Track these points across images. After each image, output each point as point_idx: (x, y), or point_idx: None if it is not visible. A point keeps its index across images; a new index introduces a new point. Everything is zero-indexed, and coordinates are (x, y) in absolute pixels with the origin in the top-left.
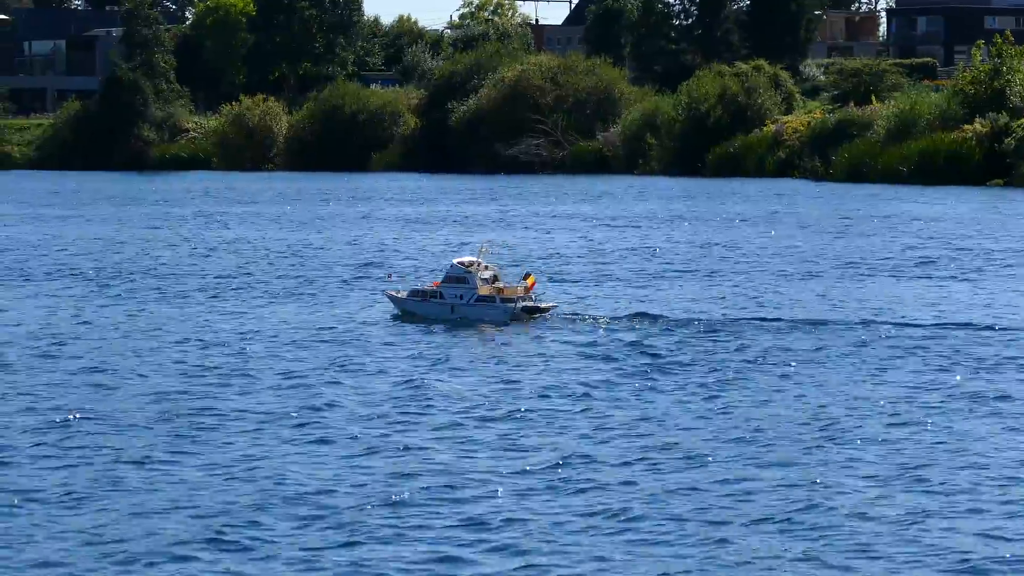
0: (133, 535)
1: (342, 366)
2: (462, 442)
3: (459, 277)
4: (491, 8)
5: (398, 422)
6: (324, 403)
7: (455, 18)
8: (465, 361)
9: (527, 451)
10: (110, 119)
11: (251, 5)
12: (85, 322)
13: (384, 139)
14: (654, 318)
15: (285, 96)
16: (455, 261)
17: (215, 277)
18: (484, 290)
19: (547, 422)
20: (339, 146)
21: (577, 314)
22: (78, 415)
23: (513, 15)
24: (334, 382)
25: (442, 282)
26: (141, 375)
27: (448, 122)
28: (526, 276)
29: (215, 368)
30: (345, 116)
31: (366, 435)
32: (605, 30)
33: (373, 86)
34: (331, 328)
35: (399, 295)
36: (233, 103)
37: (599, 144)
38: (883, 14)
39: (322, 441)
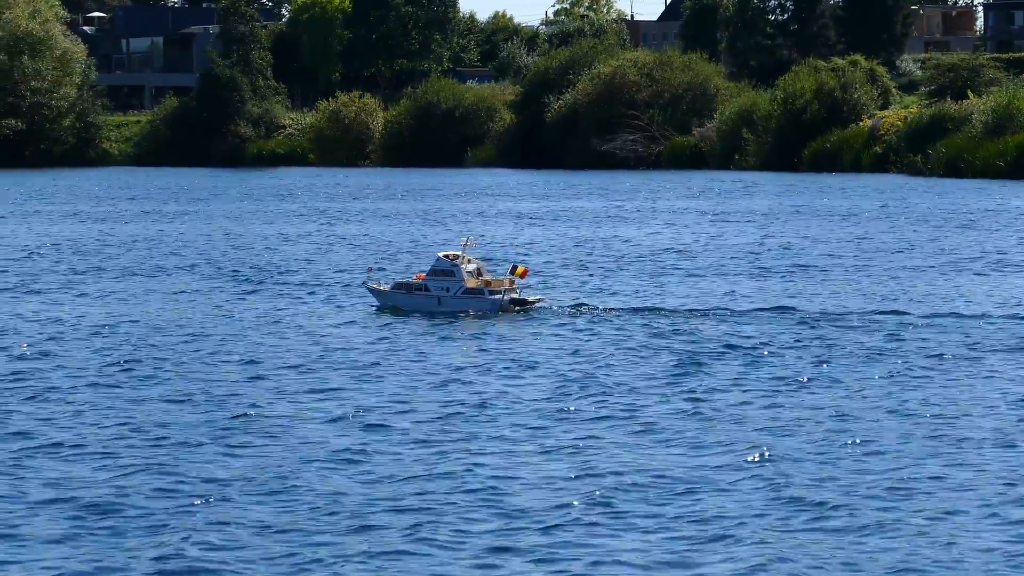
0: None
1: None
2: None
3: (445, 270)
4: (586, 4)
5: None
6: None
7: (550, 14)
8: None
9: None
10: (207, 115)
11: (347, 1)
12: (229, 318)
13: (479, 135)
14: (800, 313)
15: (380, 92)
16: (440, 255)
17: (340, 272)
18: (471, 283)
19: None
20: (434, 142)
21: (727, 309)
22: (248, 410)
23: (608, 11)
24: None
25: (427, 275)
26: (308, 371)
27: (543, 118)
28: (513, 269)
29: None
30: (440, 112)
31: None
32: (700, 25)
33: (468, 82)
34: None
35: (382, 288)
36: (329, 99)
37: (694, 139)
38: (980, 9)
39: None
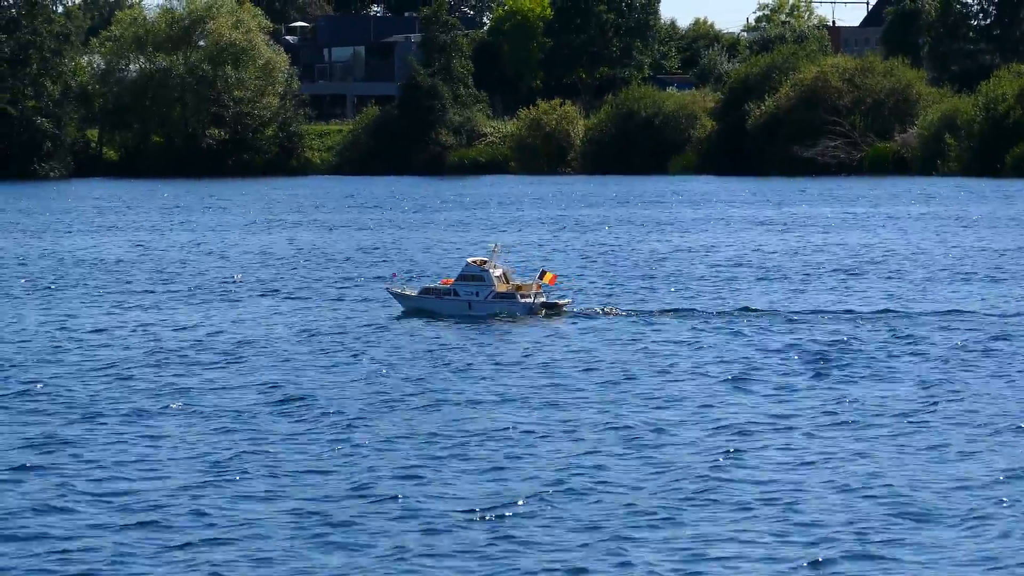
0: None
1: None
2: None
3: (475, 275)
4: (787, 10)
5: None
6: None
7: (751, 20)
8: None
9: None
10: (409, 124)
11: (548, 10)
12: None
13: (680, 142)
14: None
15: (581, 100)
16: (469, 260)
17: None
18: (502, 287)
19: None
20: (635, 149)
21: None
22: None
23: (809, 17)
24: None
25: (456, 280)
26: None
27: (744, 124)
28: (542, 275)
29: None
30: (641, 119)
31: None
32: (903, 31)
33: (669, 89)
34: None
35: (409, 293)
36: (530, 107)
37: (896, 145)
38: None
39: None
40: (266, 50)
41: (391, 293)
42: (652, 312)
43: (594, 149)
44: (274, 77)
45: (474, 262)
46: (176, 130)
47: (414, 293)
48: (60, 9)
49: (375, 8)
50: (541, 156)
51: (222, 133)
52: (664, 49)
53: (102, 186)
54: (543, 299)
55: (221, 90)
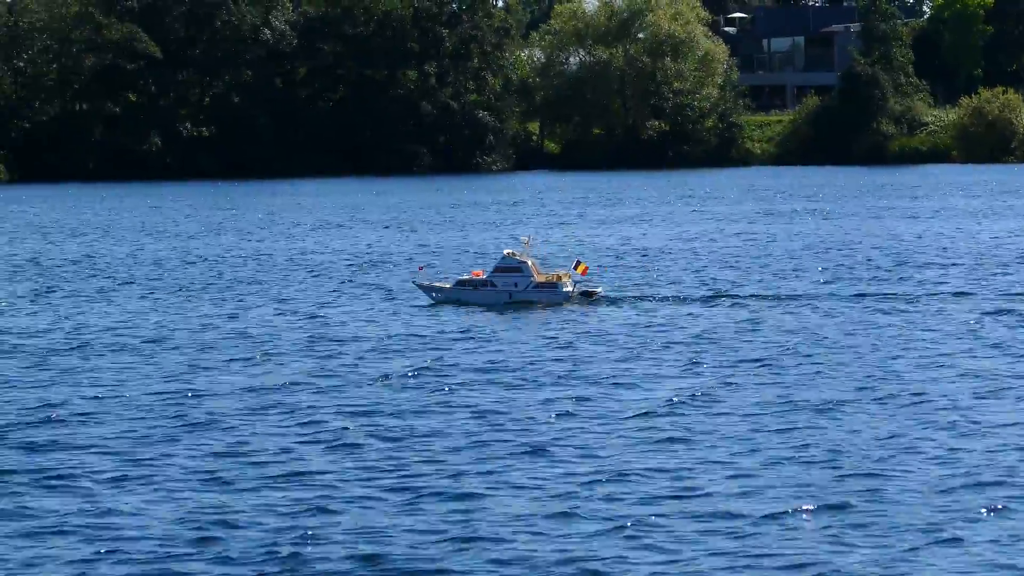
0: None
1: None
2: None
3: (513, 267)
4: None
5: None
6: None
7: None
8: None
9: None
10: (848, 114)
11: None
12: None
13: None
14: None
15: None
16: (506, 252)
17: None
18: (541, 277)
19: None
20: None
21: None
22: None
23: None
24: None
25: (493, 272)
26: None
27: None
28: (576, 264)
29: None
30: None
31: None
32: None
33: None
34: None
35: (441, 285)
36: (971, 96)
37: None
38: None
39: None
40: (705, 41)
41: (418, 286)
42: None
43: None
44: (713, 68)
45: (511, 254)
46: (616, 122)
47: (448, 285)
48: (500, 3)
49: None
50: (984, 145)
51: (662, 124)
52: None
53: (545, 178)
54: (581, 287)
55: (660, 82)
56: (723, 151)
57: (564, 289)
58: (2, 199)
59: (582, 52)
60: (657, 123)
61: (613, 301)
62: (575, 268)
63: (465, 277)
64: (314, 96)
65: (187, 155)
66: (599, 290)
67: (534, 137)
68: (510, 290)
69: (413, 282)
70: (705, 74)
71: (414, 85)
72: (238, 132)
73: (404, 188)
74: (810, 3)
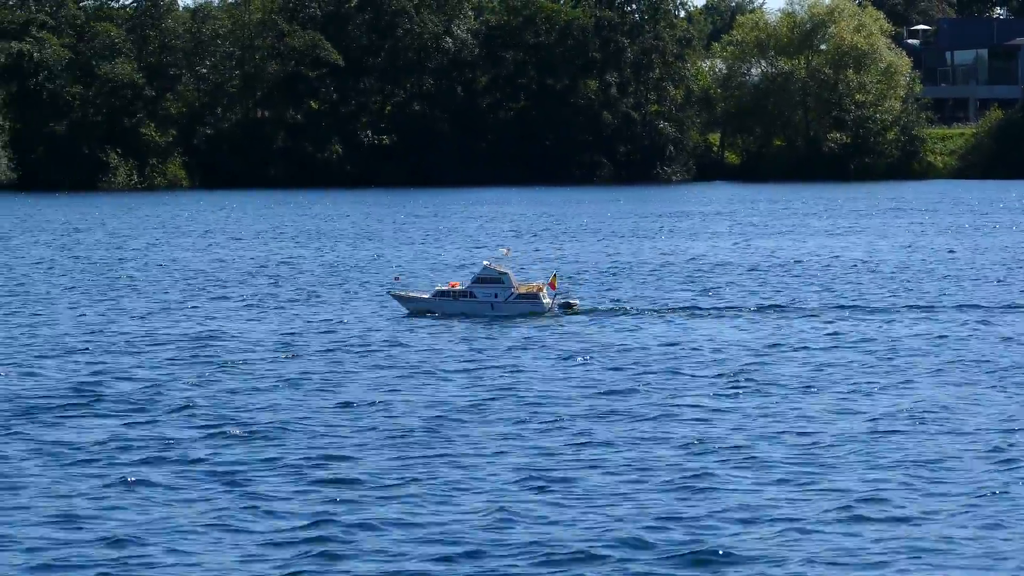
0: None
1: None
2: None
3: (493, 278)
4: None
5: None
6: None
7: None
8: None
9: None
10: None
11: None
12: None
13: None
14: None
15: None
16: (485, 263)
17: None
18: (521, 288)
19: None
20: None
21: None
22: None
23: None
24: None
25: (473, 282)
26: None
27: None
28: (553, 278)
29: None
30: None
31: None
32: None
33: None
34: None
35: (415, 295)
36: None
37: None
38: None
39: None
40: (888, 53)
41: (393, 296)
42: None
43: None
44: (896, 80)
45: (490, 265)
46: (798, 134)
47: (427, 295)
48: (682, 13)
49: (998, 10)
50: None
51: (844, 137)
52: None
53: (731, 189)
54: (559, 299)
55: (843, 93)
56: (905, 164)
57: (543, 300)
58: (205, 204)
59: (764, 63)
60: (838, 135)
61: (588, 312)
62: (550, 281)
63: (443, 287)
64: (495, 105)
65: (368, 163)
66: (576, 302)
67: (715, 148)
68: (491, 301)
69: (389, 292)
70: (887, 86)
71: (595, 95)
72: (419, 140)
73: (591, 198)
74: (994, 15)
